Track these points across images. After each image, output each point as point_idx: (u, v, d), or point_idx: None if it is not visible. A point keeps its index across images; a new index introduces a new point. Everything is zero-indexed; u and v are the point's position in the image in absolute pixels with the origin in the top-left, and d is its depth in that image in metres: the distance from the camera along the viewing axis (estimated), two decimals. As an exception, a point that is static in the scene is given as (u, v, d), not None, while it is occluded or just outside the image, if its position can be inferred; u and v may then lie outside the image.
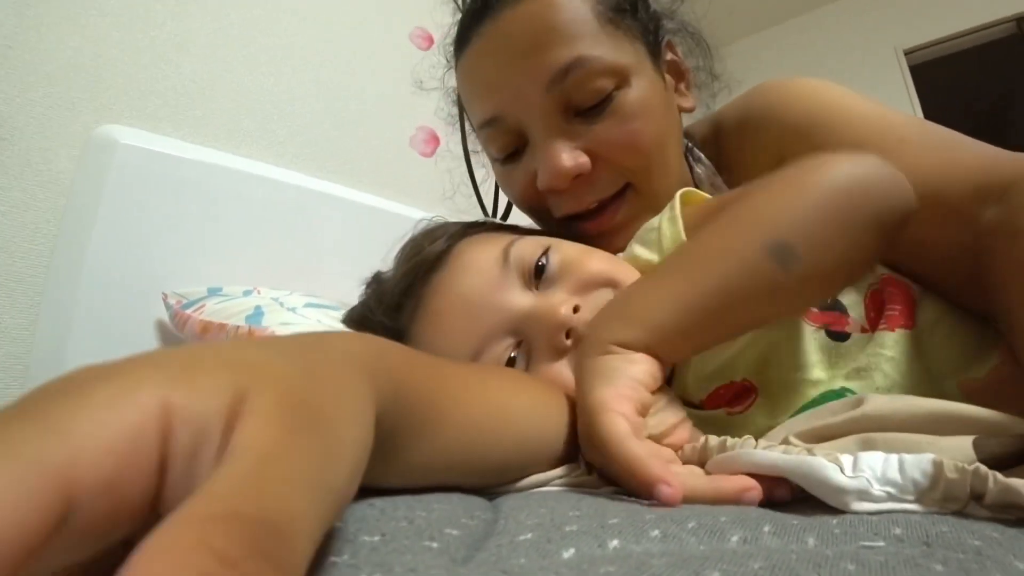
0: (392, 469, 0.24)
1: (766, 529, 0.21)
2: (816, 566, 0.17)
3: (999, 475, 0.21)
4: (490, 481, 0.30)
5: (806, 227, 0.34)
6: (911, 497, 0.22)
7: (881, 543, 0.20)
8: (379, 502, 0.24)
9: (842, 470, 0.23)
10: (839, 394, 0.37)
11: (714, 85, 0.60)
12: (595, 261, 0.44)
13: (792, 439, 0.29)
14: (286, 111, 0.96)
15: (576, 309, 0.40)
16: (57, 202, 0.68)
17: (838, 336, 0.38)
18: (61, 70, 0.69)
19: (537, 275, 0.43)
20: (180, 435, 0.12)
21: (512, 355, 0.41)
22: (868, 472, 0.23)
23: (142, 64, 0.77)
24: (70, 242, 0.67)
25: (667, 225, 0.44)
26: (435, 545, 0.20)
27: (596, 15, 0.48)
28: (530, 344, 0.41)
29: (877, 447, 0.26)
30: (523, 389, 0.33)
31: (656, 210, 0.48)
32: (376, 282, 0.54)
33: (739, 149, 0.55)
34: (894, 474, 0.23)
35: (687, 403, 0.42)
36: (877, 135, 0.42)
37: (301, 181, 0.90)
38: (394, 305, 0.48)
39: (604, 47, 0.48)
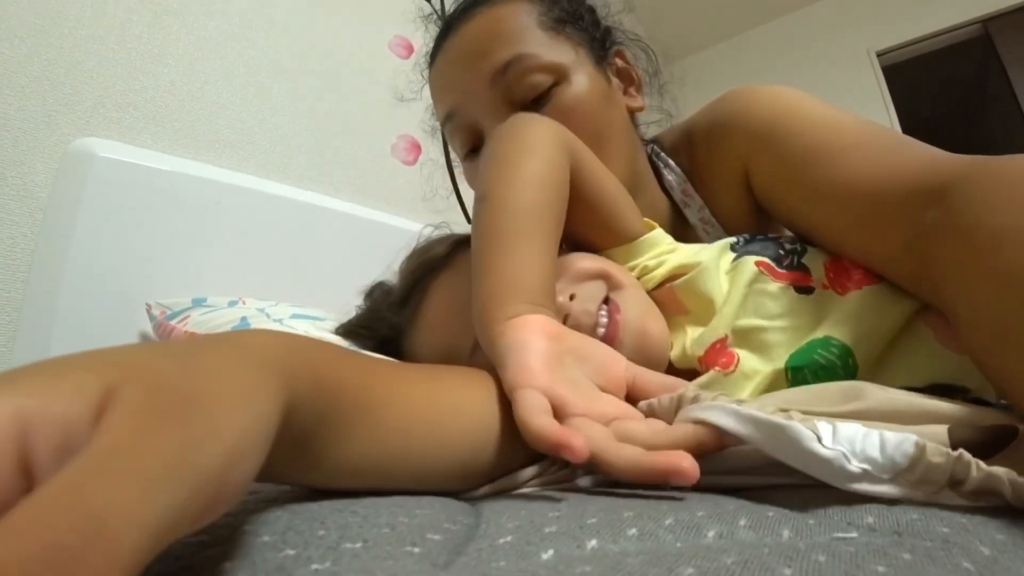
0: (322, 467, 0.24)
1: (742, 523, 0.21)
2: (788, 559, 0.17)
3: (982, 463, 0.22)
4: (445, 485, 0.29)
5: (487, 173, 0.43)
6: (887, 476, 0.23)
7: (854, 534, 0.20)
8: (361, 509, 0.24)
9: (820, 440, 0.23)
10: (825, 342, 0.39)
11: (654, 83, 0.66)
12: (586, 259, 0.47)
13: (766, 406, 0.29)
14: (266, 121, 0.95)
15: (572, 297, 0.43)
16: (34, 216, 0.67)
17: (804, 290, 0.43)
18: (36, 83, 0.69)
19: None
20: (41, 437, 0.12)
21: None
22: (846, 445, 0.23)
23: (119, 76, 0.77)
24: (48, 257, 0.66)
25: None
26: (417, 550, 0.20)
27: (538, 24, 0.55)
28: None
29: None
30: (480, 385, 0.33)
31: None
32: (380, 286, 0.59)
33: (708, 156, 0.57)
34: (874, 451, 0.23)
35: (687, 370, 0.45)
36: (827, 141, 0.44)
37: (283, 191, 0.89)
38: (401, 299, 0.53)
39: (543, 48, 0.54)
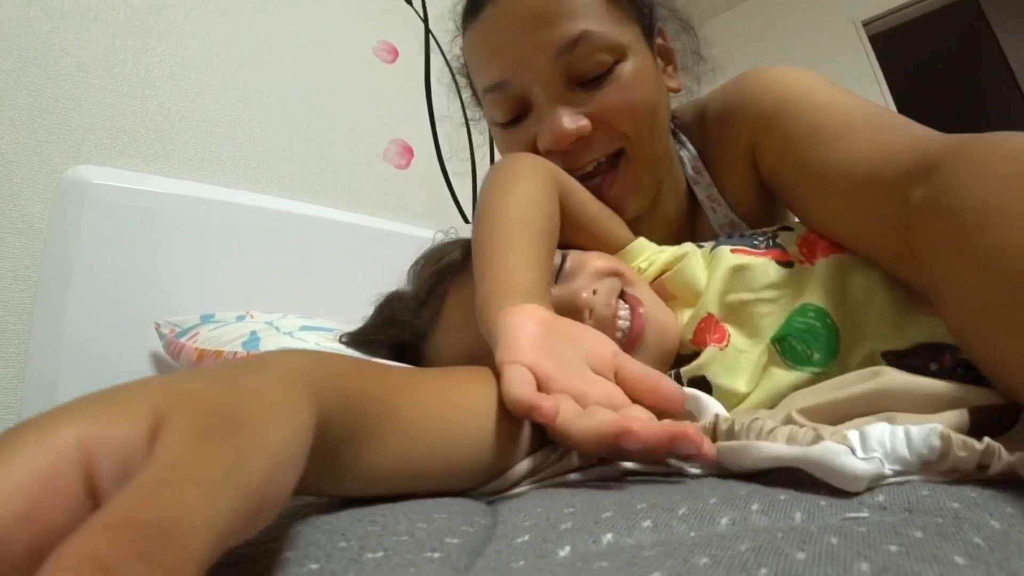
0: (352, 476, 0.25)
1: (754, 508, 0.22)
2: (801, 543, 0.17)
3: (1004, 451, 0.22)
4: (465, 482, 0.30)
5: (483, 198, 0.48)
6: (916, 468, 0.23)
7: (865, 513, 0.21)
8: (380, 518, 0.24)
9: (853, 451, 0.23)
10: (802, 309, 0.42)
11: (699, 68, 0.65)
12: (600, 259, 0.50)
13: (796, 416, 0.30)
14: (256, 136, 0.95)
15: (594, 292, 0.46)
16: (34, 248, 0.68)
17: (785, 264, 0.46)
18: (25, 114, 0.69)
19: (555, 276, 0.51)
20: (103, 462, 0.13)
21: None
22: (879, 450, 0.23)
23: (107, 102, 0.77)
24: (51, 287, 0.67)
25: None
26: (437, 555, 0.21)
27: None
28: None
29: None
30: (483, 381, 0.34)
31: (645, 181, 0.56)
32: (396, 294, 0.60)
33: (719, 136, 0.58)
34: (902, 449, 0.23)
35: (685, 355, 0.47)
36: (829, 121, 0.45)
37: (278, 205, 0.90)
38: (420, 304, 0.54)
39: (607, 25, 0.52)
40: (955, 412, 0.25)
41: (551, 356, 0.33)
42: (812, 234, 0.47)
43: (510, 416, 0.31)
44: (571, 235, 0.52)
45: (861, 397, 0.29)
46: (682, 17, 0.64)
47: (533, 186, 0.48)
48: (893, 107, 2.36)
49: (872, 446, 0.23)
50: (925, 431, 0.23)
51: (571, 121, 0.53)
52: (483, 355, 0.46)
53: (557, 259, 0.50)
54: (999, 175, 0.28)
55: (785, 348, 0.42)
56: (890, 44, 2.59)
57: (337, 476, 0.24)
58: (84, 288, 0.67)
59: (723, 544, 0.18)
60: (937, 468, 0.23)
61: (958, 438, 0.23)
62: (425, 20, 1.33)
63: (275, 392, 0.19)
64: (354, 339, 0.59)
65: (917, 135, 0.38)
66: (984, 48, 2.62)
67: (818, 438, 0.25)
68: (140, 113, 0.81)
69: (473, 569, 0.20)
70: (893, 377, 0.30)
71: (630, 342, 0.45)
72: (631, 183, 0.56)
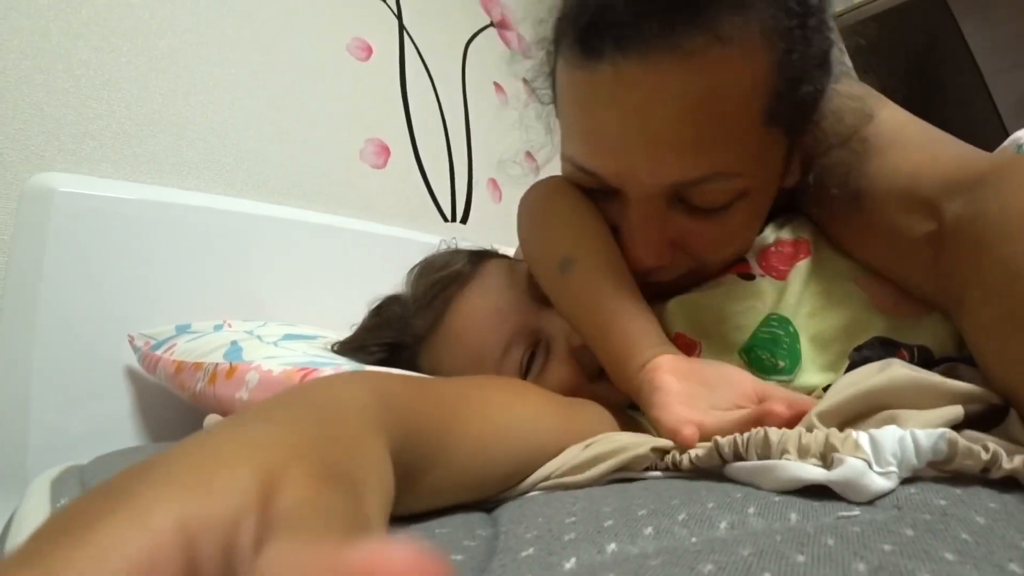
0: (405, 500, 0.25)
1: (751, 511, 0.22)
2: (799, 545, 0.18)
3: (1007, 457, 0.23)
4: (496, 491, 0.32)
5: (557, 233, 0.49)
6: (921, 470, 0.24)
7: (856, 511, 0.21)
8: (380, 536, 0.24)
9: (870, 465, 0.24)
10: (767, 320, 0.44)
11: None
12: None
13: (814, 420, 0.30)
14: (229, 138, 0.93)
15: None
16: (-2, 260, 0.65)
17: (746, 277, 0.46)
18: (-17, 121, 0.66)
19: None
20: (206, 546, 0.12)
21: (530, 356, 0.50)
22: (893, 461, 0.24)
23: (70, 105, 0.74)
24: (18, 301, 0.64)
25: None
26: (441, 573, 0.21)
27: (762, 114, 0.38)
28: (548, 344, 0.50)
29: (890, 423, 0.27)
30: (524, 399, 0.37)
31: (699, 269, 0.49)
32: (395, 299, 0.60)
33: None
34: (912, 458, 0.24)
35: None
36: (875, 135, 0.43)
37: (253, 208, 0.88)
38: (423, 308, 0.55)
39: (747, 159, 0.40)
40: (951, 408, 0.26)
41: (699, 409, 0.36)
42: (781, 246, 0.47)
43: (545, 437, 0.35)
44: None
45: (870, 393, 0.30)
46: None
47: (593, 217, 0.47)
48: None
49: (887, 459, 0.24)
50: (934, 437, 0.24)
51: (655, 256, 0.44)
52: (488, 358, 0.50)
53: None
54: None
55: (753, 359, 0.43)
56: (860, 36, 2.64)
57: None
58: (53, 301, 0.64)
59: (725, 550, 0.18)
60: (942, 467, 0.24)
61: (964, 445, 0.23)
62: (399, 16, 1.31)
63: (367, 444, 0.19)
64: (345, 347, 0.58)
65: (962, 151, 0.39)
66: (948, 41, 2.69)
67: (830, 448, 0.25)
68: (106, 116, 0.78)
69: (479, 585, 0.20)
70: (900, 371, 0.30)
71: None
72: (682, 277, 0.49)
